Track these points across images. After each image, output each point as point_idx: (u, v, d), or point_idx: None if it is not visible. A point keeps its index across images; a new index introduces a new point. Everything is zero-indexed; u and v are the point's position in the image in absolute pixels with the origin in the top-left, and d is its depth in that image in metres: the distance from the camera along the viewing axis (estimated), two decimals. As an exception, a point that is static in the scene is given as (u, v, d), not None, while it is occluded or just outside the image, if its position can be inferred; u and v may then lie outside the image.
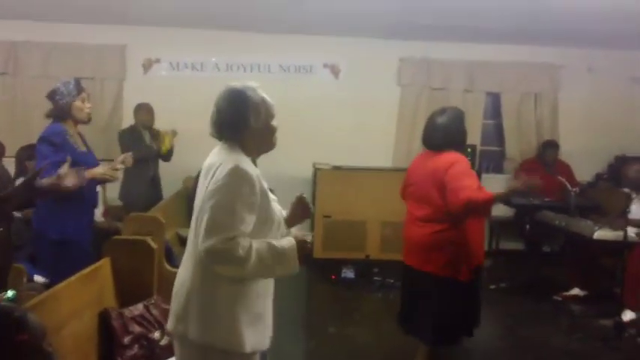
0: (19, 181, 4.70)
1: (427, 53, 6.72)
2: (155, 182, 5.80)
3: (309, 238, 2.14)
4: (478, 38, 6.43)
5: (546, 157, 6.52)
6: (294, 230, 2.27)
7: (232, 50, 6.65)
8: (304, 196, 2.30)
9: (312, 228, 6.22)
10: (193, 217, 2.09)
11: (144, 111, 5.81)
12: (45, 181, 2.27)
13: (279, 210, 2.18)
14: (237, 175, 1.96)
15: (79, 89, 3.53)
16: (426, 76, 6.78)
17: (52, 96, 3.51)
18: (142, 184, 5.54)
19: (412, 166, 3.54)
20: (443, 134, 3.26)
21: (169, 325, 2.15)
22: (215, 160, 2.06)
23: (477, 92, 6.86)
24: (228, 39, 6.58)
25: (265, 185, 2.08)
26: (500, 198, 3.12)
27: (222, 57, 6.69)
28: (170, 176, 6.01)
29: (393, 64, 6.79)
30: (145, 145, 5.65)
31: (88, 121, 3.62)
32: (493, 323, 4.76)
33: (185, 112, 6.05)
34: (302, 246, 2.07)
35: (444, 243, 3.16)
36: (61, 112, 3.48)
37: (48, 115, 3.54)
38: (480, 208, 3.05)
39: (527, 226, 5.97)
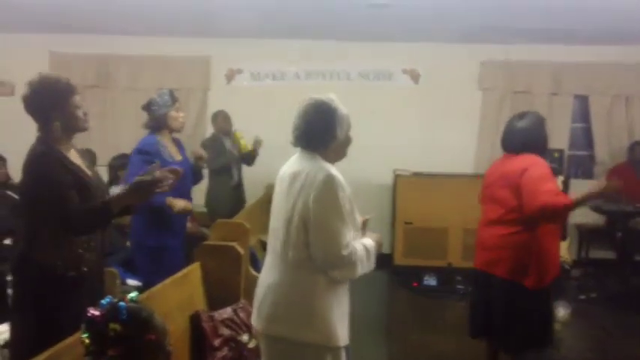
0: (113, 189, 4.94)
1: (509, 56, 6.56)
2: (239, 189, 5.94)
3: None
4: (564, 39, 6.21)
5: (637, 156, 6.22)
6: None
7: (312, 59, 6.74)
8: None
9: (393, 234, 6.20)
10: (279, 223, 2.20)
11: (221, 118, 5.97)
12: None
13: (359, 216, 2.30)
14: (333, 183, 2.10)
15: (174, 99, 3.67)
16: (508, 79, 6.63)
17: (148, 107, 3.64)
18: (227, 190, 5.69)
19: (489, 169, 3.45)
20: (521, 137, 3.16)
21: (259, 326, 2.24)
22: (298, 169, 2.17)
23: (563, 95, 6.62)
24: (308, 48, 6.67)
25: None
26: (580, 203, 2.96)
27: (302, 66, 6.79)
28: (252, 183, 6.13)
29: (473, 67, 6.67)
30: (226, 151, 5.81)
31: (181, 129, 3.76)
32: (582, 335, 4.58)
33: (266, 120, 6.19)
34: (380, 246, 2.32)
35: (514, 246, 3.05)
36: (157, 122, 3.62)
37: (145, 126, 3.69)
38: (557, 214, 2.93)
39: (619, 234, 5.74)
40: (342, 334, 2.18)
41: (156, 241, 3.50)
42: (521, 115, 3.25)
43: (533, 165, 3.01)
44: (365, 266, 2.18)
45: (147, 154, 3.48)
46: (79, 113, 2.49)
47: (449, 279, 5.86)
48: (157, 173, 2.41)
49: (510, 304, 3.10)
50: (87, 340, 1.66)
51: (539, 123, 3.19)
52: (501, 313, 3.15)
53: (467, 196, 5.85)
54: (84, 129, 2.54)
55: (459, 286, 5.70)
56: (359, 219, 2.28)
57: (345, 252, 2.08)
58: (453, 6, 5.08)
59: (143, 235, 3.55)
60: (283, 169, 2.30)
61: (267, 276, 2.25)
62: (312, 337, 2.13)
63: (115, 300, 1.70)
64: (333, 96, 2.23)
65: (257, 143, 5.90)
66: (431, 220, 6.04)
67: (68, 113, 2.45)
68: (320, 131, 2.18)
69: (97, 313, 1.67)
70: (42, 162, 2.37)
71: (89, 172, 2.55)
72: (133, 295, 1.78)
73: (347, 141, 2.27)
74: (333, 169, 2.14)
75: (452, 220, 5.99)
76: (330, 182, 2.09)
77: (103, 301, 1.70)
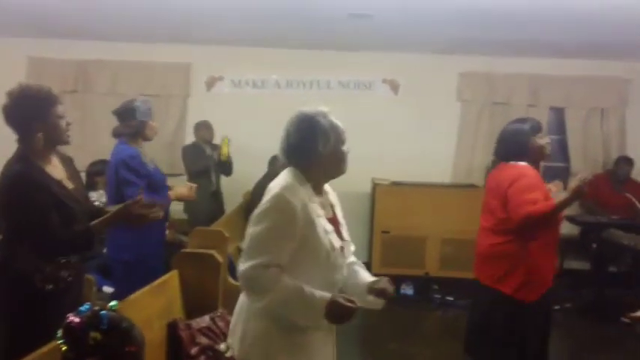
0: (90, 194, 4.88)
1: (488, 68, 6.65)
2: (217, 196, 5.94)
3: (353, 304, 1.93)
4: (542, 52, 6.32)
5: (619, 173, 6.30)
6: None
7: (292, 67, 6.75)
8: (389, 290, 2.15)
9: (370, 243, 6.22)
10: None
11: (203, 128, 6.01)
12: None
13: (331, 241, 2.07)
14: (277, 203, 1.97)
15: (151, 109, 3.64)
16: (487, 90, 6.70)
17: (125, 113, 3.55)
18: (205, 198, 5.67)
19: (488, 178, 3.42)
20: (506, 143, 3.14)
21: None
22: (273, 184, 2.07)
23: (540, 107, 6.70)
24: (289, 56, 6.68)
25: (316, 214, 2.04)
26: (563, 204, 2.90)
27: (282, 74, 6.80)
28: (231, 190, 6.14)
29: (452, 79, 6.74)
30: (206, 156, 5.83)
31: (153, 138, 3.72)
32: (557, 346, 4.57)
33: (246, 128, 6.20)
34: (335, 306, 1.92)
35: (502, 256, 3.03)
36: (135, 129, 3.54)
37: (118, 133, 3.59)
38: (541, 220, 2.89)
39: (594, 245, 5.80)
40: None
41: (134, 253, 3.43)
42: (515, 120, 3.22)
43: (521, 177, 2.98)
44: (292, 310, 1.95)
45: (133, 170, 3.42)
46: (62, 123, 2.42)
47: (426, 288, 5.90)
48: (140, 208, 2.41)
49: (492, 311, 3.06)
50: (64, 347, 1.64)
51: (531, 129, 3.10)
52: (482, 320, 3.13)
53: (445, 205, 5.98)
54: (66, 142, 2.47)
55: (436, 295, 5.75)
56: (333, 251, 2.06)
57: (242, 266, 1.95)
58: (434, 17, 5.13)
59: (121, 246, 3.46)
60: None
61: None
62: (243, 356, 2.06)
63: (96, 308, 1.68)
64: (323, 109, 2.11)
65: (225, 139, 5.86)
66: (409, 229, 6.05)
67: (50, 124, 2.37)
68: (297, 145, 2.07)
69: (76, 319, 1.65)
70: (20, 185, 2.29)
71: (70, 185, 2.48)
72: (113, 303, 1.76)
73: (337, 156, 2.09)
74: (293, 191, 2.00)
75: (430, 229, 6.02)
76: (273, 200, 1.98)
77: (83, 308, 1.68)
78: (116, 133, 3.63)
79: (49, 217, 2.29)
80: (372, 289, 2.14)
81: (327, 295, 1.95)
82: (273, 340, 2.02)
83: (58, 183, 2.42)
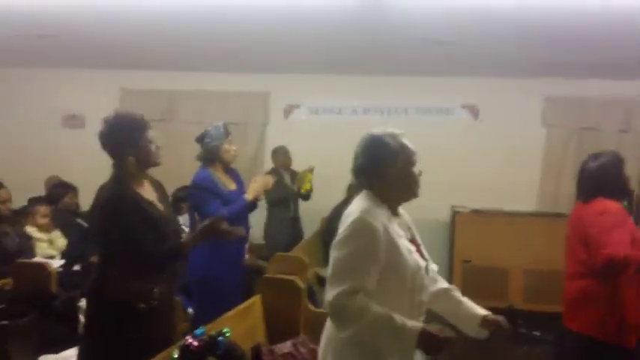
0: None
1: (576, 91, 6.38)
2: (296, 222, 5.96)
3: (447, 334, 1.87)
4: (635, 74, 6.01)
5: None
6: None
7: (369, 94, 6.75)
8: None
9: (450, 272, 6.05)
10: None
11: (281, 154, 6.07)
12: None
13: (416, 260, 2.03)
14: (359, 227, 1.92)
15: (227, 132, 3.76)
16: (575, 115, 6.42)
17: (201, 139, 3.75)
18: (284, 224, 5.72)
19: (569, 219, 3.18)
20: (589, 181, 2.95)
21: None
22: (351, 209, 2.04)
23: (635, 133, 6.34)
24: (365, 83, 6.68)
25: (397, 234, 2.00)
26: None
27: (359, 101, 6.81)
28: (309, 217, 6.14)
29: (537, 103, 6.52)
30: (285, 185, 5.86)
31: (232, 162, 3.84)
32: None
33: (323, 155, 6.21)
34: (428, 337, 1.83)
35: (591, 300, 2.82)
36: (209, 154, 3.71)
37: (198, 158, 3.80)
38: (622, 267, 2.65)
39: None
40: None
41: (206, 271, 3.54)
42: (594, 156, 3.03)
43: (604, 214, 2.77)
44: (381, 338, 1.88)
45: (206, 189, 3.56)
46: (152, 147, 2.55)
47: (510, 322, 5.59)
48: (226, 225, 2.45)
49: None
50: None
51: (615, 163, 2.95)
52: None
53: (529, 235, 5.75)
54: (156, 164, 2.60)
55: (522, 330, 5.48)
56: (419, 270, 2.03)
57: (328, 295, 1.88)
58: (518, 41, 4.98)
59: (199, 264, 3.56)
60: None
61: None
62: None
63: (213, 333, 1.71)
64: (394, 130, 2.09)
65: (310, 169, 5.86)
66: (491, 259, 5.85)
67: (142, 148, 2.51)
68: (365, 165, 2.06)
69: (195, 343, 1.69)
70: (116, 205, 2.40)
71: (161, 206, 2.58)
72: (226, 330, 1.80)
73: (407, 178, 2.05)
74: (373, 214, 1.95)
75: (513, 259, 5.79)
76: (355, 224, 1.93)
77: (198, 332, 1.72)
78: (198, 158, 3.82)
79: (143, 235, 2.37)
80: (486, 321, 2.12)
81: (419, 324, 1.89)
82: None
83: (150, 204, 2.52)
